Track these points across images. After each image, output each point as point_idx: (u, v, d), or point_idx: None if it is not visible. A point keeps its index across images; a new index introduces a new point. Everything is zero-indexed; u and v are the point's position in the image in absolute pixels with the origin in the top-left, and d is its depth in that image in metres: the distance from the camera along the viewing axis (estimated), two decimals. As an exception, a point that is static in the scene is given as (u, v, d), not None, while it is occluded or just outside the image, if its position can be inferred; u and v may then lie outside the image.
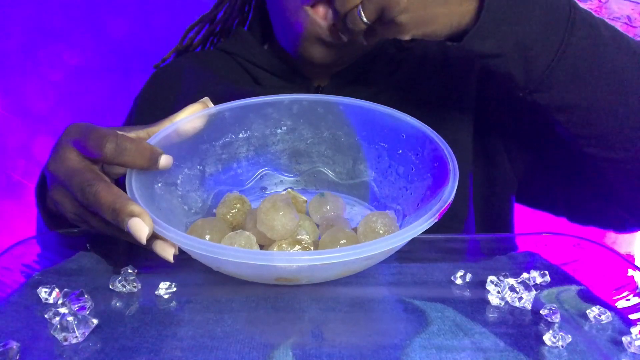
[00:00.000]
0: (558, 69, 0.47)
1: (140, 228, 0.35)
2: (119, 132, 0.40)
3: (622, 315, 0.37)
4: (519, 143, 0.63)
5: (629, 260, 0.43)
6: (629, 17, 1.06)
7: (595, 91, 0.48)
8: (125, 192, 0.38)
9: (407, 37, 0.48)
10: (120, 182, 0.42)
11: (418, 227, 0.35)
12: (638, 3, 1.05)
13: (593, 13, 0.49)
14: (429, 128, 0.46)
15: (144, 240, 0.36)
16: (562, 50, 0.47)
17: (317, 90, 0.66)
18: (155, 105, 0.70)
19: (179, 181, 0.46)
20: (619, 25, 1.06)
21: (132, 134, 0.43)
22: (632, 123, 0.49)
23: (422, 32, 0.47)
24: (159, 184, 0.44)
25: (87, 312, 0.35)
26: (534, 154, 0.63)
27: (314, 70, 0.66)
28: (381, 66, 0.65)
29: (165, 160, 0.41)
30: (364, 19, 0.47)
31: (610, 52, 0.48)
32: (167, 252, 0.37)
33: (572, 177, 0.60)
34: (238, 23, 0.76)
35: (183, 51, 0.77)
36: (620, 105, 0.49)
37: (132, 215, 0.36)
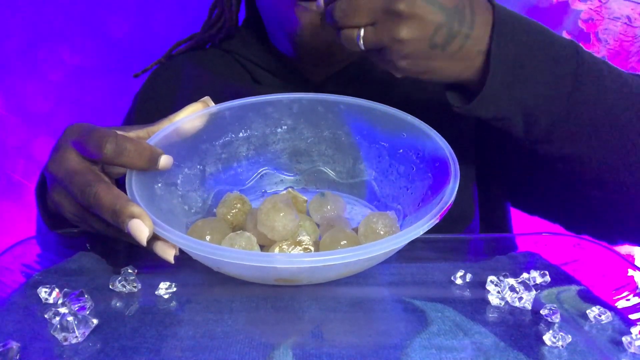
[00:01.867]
0: (560, 126, 0.46)
1: (141, 229, 0.35)
2: (119, 133, 0.40)
3: (622, 315, 0.37)
4: (513, 158, 0.63)
5: (629, 260, 0.43)
6: (629, 17, 1.06)
7: (597, 142, 0.47)
8: (125, 193, 0.38)
9: (399, 76, 0.47)
10: (120, 182, 0.42)
11: (419, 228, 0.35)
12: (638, 3, 1.04)
13: (600, 58, 0.48)
14: (430, 127, 0.45)
15: (144, 242, 0.36)
16: (565, 110, 0.46)
17: (316, 89, 0.66)
18: (154, 103, 0.70)
19: (179, 181, 0.46)
20: (619, 25, 1.06)
21: (132, 133, 0.43)
22: (634, 170, 0.48)
23: (419, 77, 0.46)
24: (159, 184, 0.44)
25: (87, 312, 0.35)
26: (528, 168, 0.62)
27: (313, 69, 0.66)
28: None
29: (165, 160, 0.41)
30: (361, 45, 0.44)
31: (615, 104, 0.46)
32: (168, 254, 0.37)
33: (566, 192, 0.59)
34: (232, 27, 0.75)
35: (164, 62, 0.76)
36: (621, 153, 0.47)
37: (132, 216, 0.36)
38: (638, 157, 0.47)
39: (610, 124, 0.47)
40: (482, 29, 0.44)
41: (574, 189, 0.55)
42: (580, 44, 0.47)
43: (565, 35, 1.09)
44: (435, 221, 0.36)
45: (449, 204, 0.37)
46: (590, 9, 1.04)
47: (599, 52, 1.10)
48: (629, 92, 0.47)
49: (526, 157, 0.59)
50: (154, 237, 0.37)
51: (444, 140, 0.44)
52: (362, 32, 0.43)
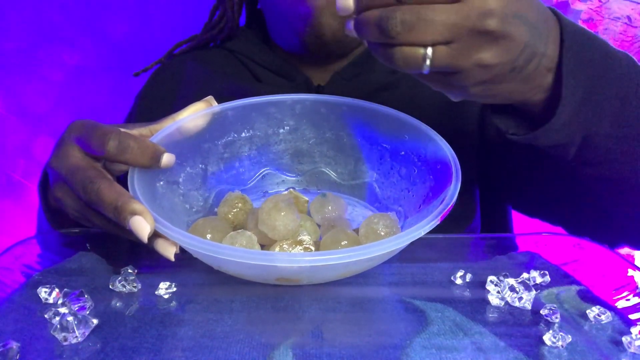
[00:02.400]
0: (615, 148, 0.43)
1: (142, 226, 0.35)
2: (122, 130, 0.40)
3: (622, 315, 0.37)
4: (516, 162, 0.63)
5: (629, 260, 0.43)
6: (629, 17, 1.06)
7: (635, 161, 0.44)
8: (127, 190, 0.38)
9: (455, 100, 0.40)
10: (121, 180, 0.42)
11: (420, 229, 0.35)
12: (638, 3, 1.05)
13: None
14: (432, 129, 0.45)
15: (145, 239, 0.36)
16: (624, 131, 0.42)
17: (318, 88, 0.66)
18: (156, 102, 0.70)
19: (180, 180, 0.46)
20: (619, 25, 1.06)
21: (135, 131, 0.43)
22: None
23: (481, 101, 0.40)
24: (161, 182, 0.44)
25: (87, 312, 0.35)
26: (530, 173, 0.62)
27: (315, 68, 0.66)
28: (382, 64, 0.65)
29: (167, 158, 0.41)
30: (426, 68, 0.34)
31: None
32: (168, 251, 0.37)
33: (567, 196, 0.59)
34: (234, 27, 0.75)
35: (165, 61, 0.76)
36: None
37: (134, 213, 0.36)
38: None
39: None
40: (554, 45, 0.38)
41: (590, 201, 0.53)
42: (635, 57, 0.43)
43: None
44: (436, 222, 0.36)
45: (450, 205, 0.37)
46: (590, 9, 1.04)
47: (599, 52, 1.10)
48: None
49: (529, 162, 0.59)
50: (155, 235, 0.37)
51: (445, 142, 0.44)
52: (430, 52, 0.33)
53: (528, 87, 0.38)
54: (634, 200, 0.48)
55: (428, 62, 0.33)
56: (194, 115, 0.46)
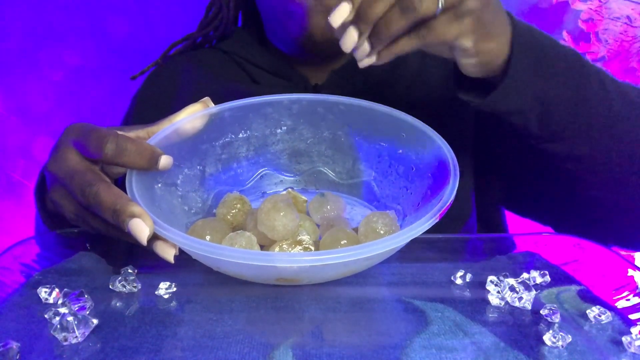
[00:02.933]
0: (571, 124, 0.48)
1: (141, 229, 0.35)
2: (119, 133, 0.40)
3: (622, 315, 0.37)
4: (509, 160, 0.63)
5: (629, 260, 0.43)
6: (629, 17, 1.06)
7: (603, 144, 0.49)
8: (125, 193, 0.38)
9: (465, 45, 0.43)
10: (118, 182, 0.42)
11: (419, 227, 0.35)
12: (638, 3, 1.04)
13: (598, 66, 0.50)
14: (429, 127, 0.45)
15: (144, 241, 0.36)
16: (574, 110, 0.47)
17: (315, 88, 0.66)
18: (153, 104, 0.70)
19: (179, 181, 0.46)
20: (619, 25, 1.06)
21: (132, 134, 0.43)
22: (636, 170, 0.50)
23: (468, 53, 0.44)
24: (159, 185, 0.44)
25: (87, 312, 0.35)
26: (523, 170, 0.63)
27: (311, 67, 0.66)
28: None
29: (165, 160, 0.41)
30: (441, 2, 0.39)
31: (617, 109, 0.49)
32: (168, 253, 0.37)
33: (562, 194, 0.60)
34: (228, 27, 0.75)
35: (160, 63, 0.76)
36: (625, 158, 0.50)
37: (133, 216, 0.36)
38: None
39: (613, 127, 0.49)
40: (506, 26, 0.45)
41: (574, 191, 0.56)
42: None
43: (565, 35, 1.09)
44: (435, 220, 0.36)
45: (448, 203, 0.37)
46: (590, 9, 1.04)
47: (599, 52, 1.10)
48: (630, 100, 0.50)
49: (522, 158, 0.59)
50: (154, 237, 0.37)
51: (443, 140, 0.44)
52: None
53: (496, 48, 0.44)
54: (609, 181, 0.52)
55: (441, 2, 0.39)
56: (191, 117, 0.46)
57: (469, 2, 0.40)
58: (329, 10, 0.45)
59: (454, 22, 0.41)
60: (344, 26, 0.41)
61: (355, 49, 0.42)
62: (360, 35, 0.40)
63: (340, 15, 0.40)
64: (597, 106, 0.48)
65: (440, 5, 0.39)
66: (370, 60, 0.43)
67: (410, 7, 0.39)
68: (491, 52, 0.44)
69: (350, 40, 0.41)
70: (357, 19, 0.40)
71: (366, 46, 0.41)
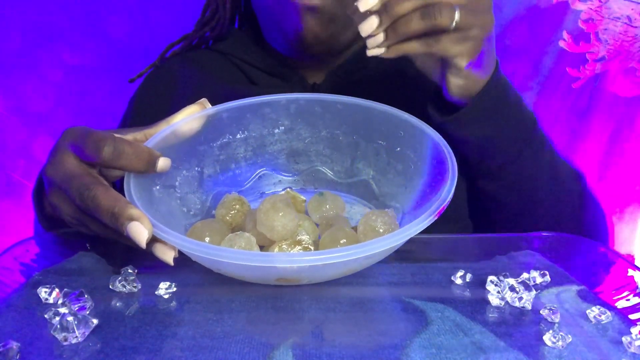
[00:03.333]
0: (506, 171, 0.56)
1: (140, 232, 0.35)
2: (116, 135, 0.40)
3: (622, 315, 0.37)
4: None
5: (629, 260, 0.43)
6: (629, 17, 1.06)
7: (523, 198, 0.58)
8: (124, 196, 0.38)
9: (461, 63, 0.48)
10: (117, 185, 0.42)
11: (418, 225, 0.35)
12: (638, 3, 1.04)
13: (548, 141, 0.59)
14: (427, 125, 0.45)
15: (143, 244, 0.36)
16: (512, 160, 0.55)
17: (313, 87, 0.66)
18: (151, 106, 0.70)
19: (177, 183, 0.46)
20: (619, 25, 1.06)
21: (130, 136, 0.43)
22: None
23: (460, 75, 0.49)
24: (158, 187, 0.44)
25: (87, 312, 0.35)
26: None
27: (309, 67, 0.66)
28: (376, 62, 0.65)
29: (163, 162, 0.41)
30: (457, 18, 0.44)
31: (544, 171, 0.57)
32: (167, 255, 0.37)
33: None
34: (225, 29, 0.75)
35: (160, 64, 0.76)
36: (535, 208, 0.58)
37: (131, 219, 0.35)
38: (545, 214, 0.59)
39: (537, 191, 0.57)
40: (493, 62, 0.52)
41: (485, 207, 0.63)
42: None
43: (565, 35, 1.09)
44: (433, 218, 0.36)
45: (447, 201, 0.37)
46: (590, 9, 1.04)
47: (599, 52, 1.10)
48: (561, 180, 0.59)
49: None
50: (153, 239, 0.37)
51: (441, 137, 0.44)
52: (457, 14, 0.45)
53: (483, 72, 0.51)
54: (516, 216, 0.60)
55: (457, 17, 0.44)
56: (189, 118, 0.46)
57: (475, 30, 0.46)
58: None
59: (459, 42, 0.46)
60: (366, 14, 0.45)
61: (370, 36, 0.46)
62: (379, 25, 0.45)
63: (369, 3, 0.44)
64: (531, 167, 0.56)
65: (454, 22, 0.45)
66: (379, 51, 0.46)
67: (431, 15, 0.44)
68: (476, 79, 0.50)
69: (369, 26, 0.45)
70: (382, 10, 0.44)
71: (381, 37, 0.45)
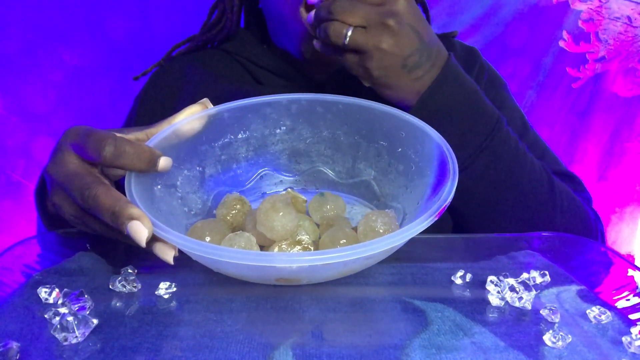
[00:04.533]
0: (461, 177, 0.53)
1: (140, 231, 0.35)
2: (118, 135, 0.40)
3: (622, 315, 0.37)
4: None
5: (629, 260, 0.43)
6: (629, 17, 1.06)
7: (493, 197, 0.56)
8: (125, 195, 0.38)
9: (366, 84, 0.53)
10: (120, 184, 0.42)
11: (417, 225, 0.35)
12: (638, 3, 1.04)
13: (514, 135, 0.57)
14: (429, 126, 0.45)
15: (143, 243, 0.36)
16: (468, 162, 0.53)
17: (318, 88, 0.66)
18: (156, 105, 0.70)
19: (178, 183, 0.46)
20: (619, 25, 1.06)
21: (131, 136, 0.43)
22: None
23: (380, 91, 0.53)
24: (159, 186, 0.44)
25: (87, 312, 0.35)
26: None
27: (315, 67, 0.66)
28: None
29: (164, 162, 0.41)
30: (346, 41, 0.49)
31: (515, 171, 0.55)
32: (167, 255, 0.37)
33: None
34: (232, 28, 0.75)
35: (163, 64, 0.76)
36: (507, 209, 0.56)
37: (132, 218, 0.36)
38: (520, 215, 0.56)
39: (508, 184, 0.55)
40: (435, 70, 0.53)
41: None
42: (502, 118, 0.56)
43: (565, 35, 1.09)
44: (434, 219, 0.36)
45: (447, 201, 0.37)
46: (590, 9, 1.04)
47: (599, 52, 1.10)
48: (531, 168, 0.56)
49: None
50: (153, 239, 0.37)
51: (442, 138, 0.44)
52: (350, 31, 0.49)
53: (409, 92, 0.52)
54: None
55: (347, 38, 0.49)
56: (190, 118, 0.46)
57: (371, 62, 0.50)
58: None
59: (358, 64, 0.51)
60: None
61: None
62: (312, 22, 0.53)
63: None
64: (495, 164, 0.54)
65: (346, 41, 0.49)
66: (318, 47, 0.54)
67: (323, 28, 0.50)
68: (394, 99, 0.53)
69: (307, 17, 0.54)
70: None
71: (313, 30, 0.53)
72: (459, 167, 0.50)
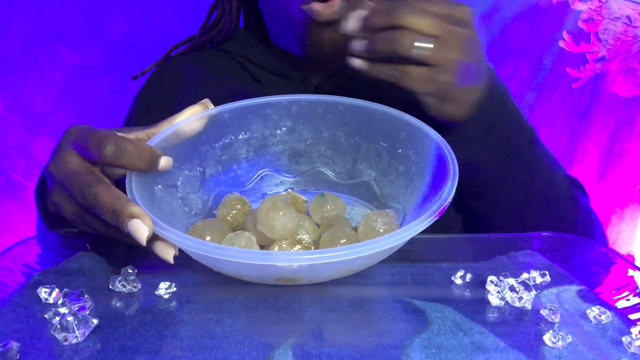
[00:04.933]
0: (488, 195, 0.55)
1: (140, 229, 0.35)
2: (119, 134, 0.40)
3: (622, 315, 0.37)
4: None
5: (629, 260, 0.43)
6: (629, 17, 1.06)
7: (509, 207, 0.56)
8: (125, 194, 0.38)
9: (425, 100, 0.49)
10: (120, 183, 0.42)
11: (417, 225, 0.35)
12: (638, 3, 1.04)
13: (547, 150, 0.57)
14: (429, 127, 0.45)
15: (144, 242, 0.36)
16: (499, 181, 0.53)
17: (317, 87, 0.66)
18: (154, 105, 0.70)
19: (179, 183, 0.46)
20: (619, 25, 1.06)
21: (132, 135, 0.43)
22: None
23: (437, 106, 0.49)
24: (159, 186, 0.44)
25: (87, 312, 0.35)
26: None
27: (314, 67, 0.66)
28: None
29: (165, 162, 0.41)
30: (417, 50, 0.43)
31: (539, 189, 0.55)
32: (167, 253, 0.37)
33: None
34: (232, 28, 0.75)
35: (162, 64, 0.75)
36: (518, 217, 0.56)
37: (132, 216, 0.36)
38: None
39: (528, 204, 0.55)
40: (474, 94, 0.50)
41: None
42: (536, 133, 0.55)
43: (565, 35, 1.09)
44: (433, 219, 0.36)
45: (447, 202, 0.37)
46: (590, 9, 1.04)
47: (599, 52, 1.10)
48: (550, 192, 0.55)
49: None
50: (153, 237, 0.37)
51: (442, 139, 0.44)
52: (422, 42, 0.43)
53: (468, 101, 0.49)
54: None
55: (418, 48, 0.44)
56: (191, 118, 0.46)
57: (442, 75, 0.45)
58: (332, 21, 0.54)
59: (426, 80, 0.46)
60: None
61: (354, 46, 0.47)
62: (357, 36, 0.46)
63: (351, 23, 0.47)
64: (522, 190, 0.54)
65: (415, 50, 0.44)
66: (361, 64, 0.48)
67: (389, 39, 0.44)
68: (450, 114, 0.50)
69: (351, 26, 0.47)
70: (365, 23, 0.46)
71: (361, 45, 0.47)
72: (498, 176, 0.52)
